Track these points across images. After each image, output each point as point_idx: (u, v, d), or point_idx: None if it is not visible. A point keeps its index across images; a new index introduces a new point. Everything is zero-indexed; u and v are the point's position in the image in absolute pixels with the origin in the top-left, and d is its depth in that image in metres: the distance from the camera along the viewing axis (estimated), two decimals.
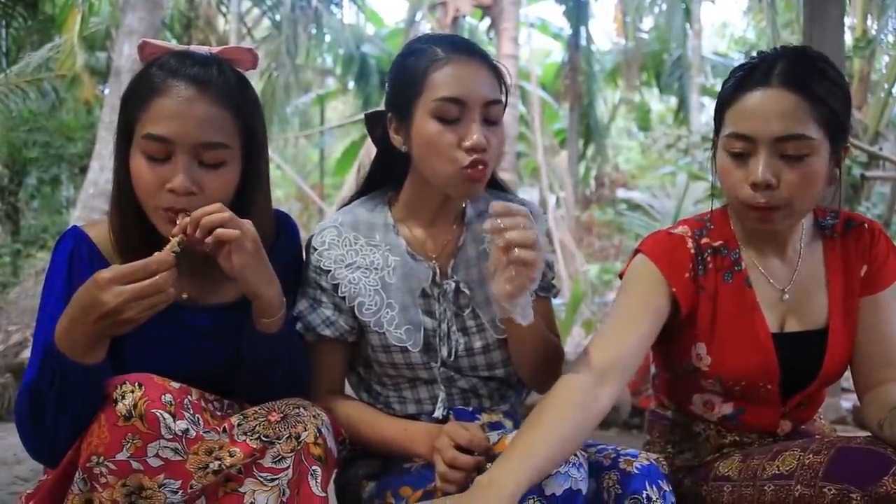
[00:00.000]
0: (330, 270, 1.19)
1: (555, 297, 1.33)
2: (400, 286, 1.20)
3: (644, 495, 1.01)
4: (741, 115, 1.10)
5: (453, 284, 1.21)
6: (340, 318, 1.20)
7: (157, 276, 0.92)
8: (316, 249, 1.20)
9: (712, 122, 1.22)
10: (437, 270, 1.22)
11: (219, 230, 0.98)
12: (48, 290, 1.09)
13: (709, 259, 1.19)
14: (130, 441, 0.94)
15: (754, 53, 1.19)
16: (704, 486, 1.20)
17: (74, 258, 1.08)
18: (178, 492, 0.97)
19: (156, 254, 0.95)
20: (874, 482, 0.94)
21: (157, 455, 0.95)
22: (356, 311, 1.19)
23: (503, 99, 1.17)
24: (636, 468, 1.04)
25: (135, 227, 1.08)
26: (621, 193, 10.68)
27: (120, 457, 0.94)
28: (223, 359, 1.11)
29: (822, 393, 1.29)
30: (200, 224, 0.98)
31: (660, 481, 1.04)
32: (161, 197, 1.03)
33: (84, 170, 6.05)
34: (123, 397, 0.95)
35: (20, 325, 4.69)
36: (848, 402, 3.81)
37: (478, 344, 1.22)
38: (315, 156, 15.80)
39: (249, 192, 1.12)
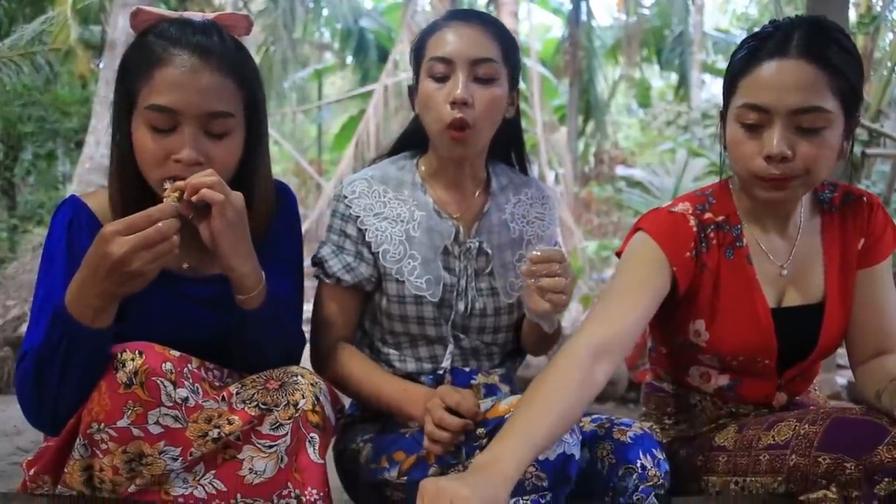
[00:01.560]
0: (359, 216, 1.25)
1: None
2: (423, 240, 1.25)
3: (638, 464, 1.03)
4: (756, 86, 1.08)
5: (477, 243, 1.26)
6: (361, 266, 1.24)
7: (160, 224, 0.91)
8: (346, 198, 1.26)
9: (713, 99, 1.20)
10: (461, 229, 1.26)
11: (204, 190, 0.97)
12: (48, 259, 1.07)
13: (712, 235, 1.18)
14: (131, 408, 0.94)
15: (766, 22, 1.16)
16: (700, 456, 1.21)
17: (73, 227, 1.07)
18: (178, 459, 0.97)
19: (157, 205, 0.94)
20: (869, 452, 0.95)
21: (157, 422, 0.96)
22: (380, 257, 1.24)
23: (500, 60, 1.20)
24: (630, 437, 1.06)
25: (136, 199, 1.06)
26: (620, 171, 10.63)
27: (121, 423, 0.94)
28: (222, 329, 1.11)
29: (817, 366, 1.30)
30: (190, 185, 0.97)
31: (654, 450, 1.05)
32: (167, 167, 1.02)
33: (80, 145, 6.00)
34: (124, 365, 0.95)
35: (18, 299, 4.68)
36: (843, 378, 3.84)
37: (490, 306, 1.26)
38: (313, 131, 15.71)
39: (252, 161, 1.11)
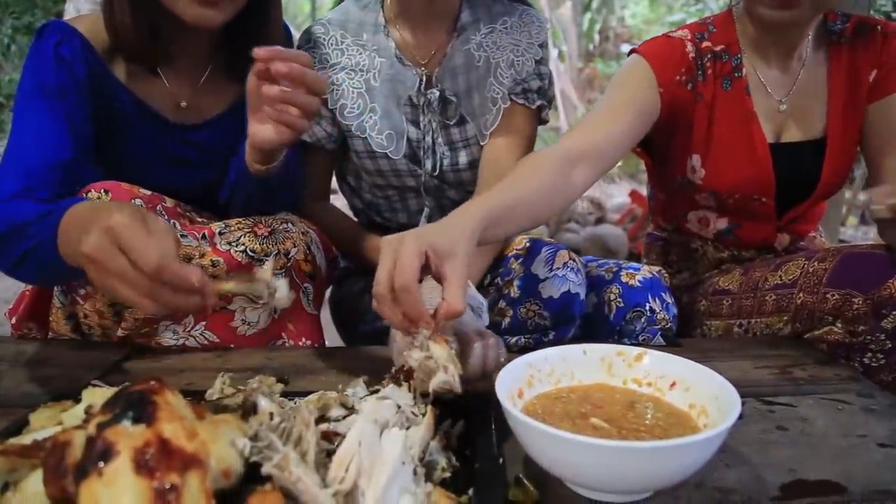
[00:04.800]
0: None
1: (544, 113, 1.21)
2: (384, 90, 1.15)
3: (647, 307, 0.99)
4: None
5: (437, 93, 1.15)
6: (316, 127, 1.16)
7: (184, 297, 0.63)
8: (300, 48, 1.16)
9: None
10: (425, 79, 1.15)
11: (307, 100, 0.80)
12: (28, 94, 0.93)
13: (708, 64, 1.11)
14: None
15: None
16: (703, 300, 1.18)
17: (64, 49, 0.94)
18: None
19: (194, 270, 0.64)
20: (878, 285, 0.91)
21: None
22: (338, 114, 1.14)
23: None
24: (638, 281, 1.02)
25: (142, 17, 0.95)
26: (626, 49, 10.21)
27: None
28: (203, 178, 1.05)
29: (819, 207, 1.24)
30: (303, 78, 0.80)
31: (662, 293, 1.01)
32: None
33: (59, 16, 5.70)
34: None
35: None
36: None
37: (463, 159, 1.17)
38: (306, 7, 14.99)
39: None
